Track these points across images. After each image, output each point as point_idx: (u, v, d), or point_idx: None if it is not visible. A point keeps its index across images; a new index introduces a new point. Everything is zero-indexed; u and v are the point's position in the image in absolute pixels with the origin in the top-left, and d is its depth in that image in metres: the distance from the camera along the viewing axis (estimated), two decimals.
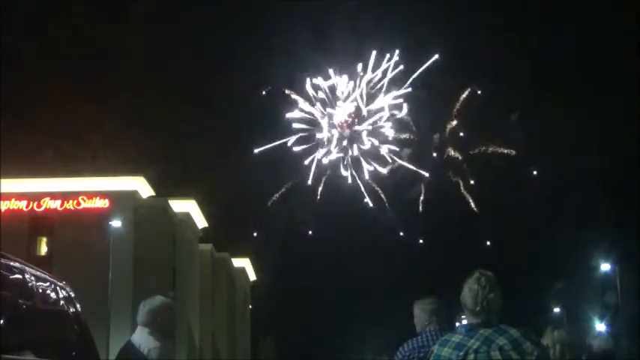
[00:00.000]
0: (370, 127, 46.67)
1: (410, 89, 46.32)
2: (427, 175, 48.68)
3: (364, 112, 46.41)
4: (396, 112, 46.60)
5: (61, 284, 4.89)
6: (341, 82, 46.20)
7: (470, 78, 47.52)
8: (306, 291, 70.84)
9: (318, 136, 46.62)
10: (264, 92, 46.97)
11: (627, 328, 36.79)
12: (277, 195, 48.52)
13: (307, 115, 46.42)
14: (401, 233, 51.43)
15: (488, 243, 52.95)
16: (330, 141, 46.61)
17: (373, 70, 46.16)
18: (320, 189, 47.75)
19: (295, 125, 46.49)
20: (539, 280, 53.00)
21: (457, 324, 5.83)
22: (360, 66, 46.14)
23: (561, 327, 6.93)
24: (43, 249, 43.32)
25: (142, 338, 5.42)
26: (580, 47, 56.26)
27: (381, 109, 46.62)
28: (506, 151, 48.37)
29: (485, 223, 55.31)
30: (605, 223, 44.63)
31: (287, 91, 46.61)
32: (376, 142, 46.83)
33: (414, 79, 46.35)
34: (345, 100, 46.35)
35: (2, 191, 39.89)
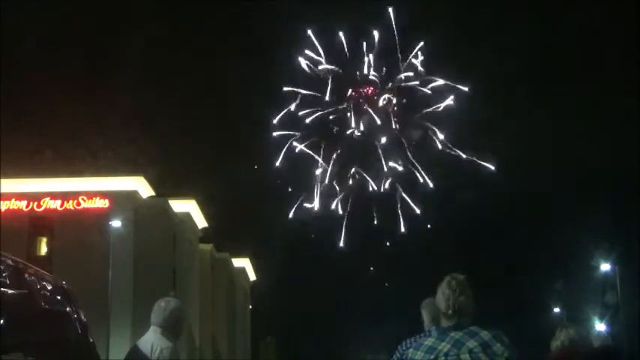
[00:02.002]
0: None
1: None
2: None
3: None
4: None
5: (61, 284, 4.89)
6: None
7: (464, 77, 47.54)
8: (306, 291, 70.86)
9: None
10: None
11: (627, 328, 36.81)
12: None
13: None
14: (402, 230, 51.44)
15: (488, 243, 52.95)
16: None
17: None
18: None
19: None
20: (539, 280, 53.05)
21: None
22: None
23: (569, 327, 6.92)
24: (43, 249, 43.30)
25: (155, 338, 5.52)
26: (580, 46, 56.27)
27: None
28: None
29: (485, 223, 55.33)
30: (605, 223, 44.64)
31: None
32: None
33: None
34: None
35: (2, 191, 39.88)
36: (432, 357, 4.04)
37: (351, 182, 47.94)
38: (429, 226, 50.02)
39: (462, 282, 4.18)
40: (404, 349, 6.18)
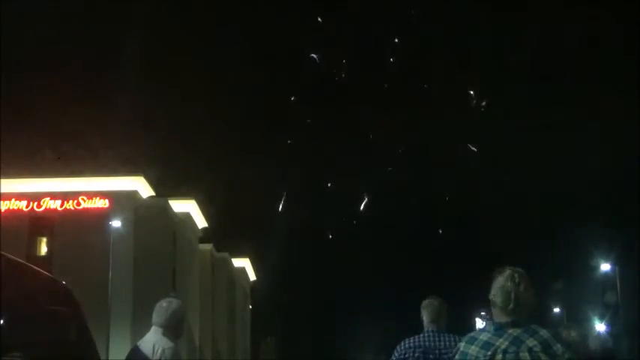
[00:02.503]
0: None
1: None
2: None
3: None
4: None
5: (61, 284, 4.90)
6: None
7: (468, 80, 47.55)
8: (306, 291, 70.94)
9: None
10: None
11: (627, 328, 36.83)
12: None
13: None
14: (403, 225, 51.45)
15: (488, 244, 52.94)
16: None
17: None
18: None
19: None
20: (539, 280, 53.03)
21: (478, 320, 5.76)
22: None
23: (571, 327, 6.91)
24: (43, 249, 43.30)
25: (157, 338, 5.54)
26: (580, 47, 56.29)
27: None
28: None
29: (485, 224, 55.35)
30: (605, 223, 44.60)
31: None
32: None
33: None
34: None
35: (2, 191, 39.88)
36: (489, 353, 3.86)
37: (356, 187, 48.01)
38: (440, 231, 50.10)
39: (525, 275, 3.98)
40: (402, 348, 6.19)
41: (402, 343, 6.20)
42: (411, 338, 6.20)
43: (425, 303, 6.30)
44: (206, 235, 55.23)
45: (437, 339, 6.03)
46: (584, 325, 39.12)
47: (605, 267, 39.85)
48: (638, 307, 36.52)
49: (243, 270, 68.67)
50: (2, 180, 37.98)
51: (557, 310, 49.66)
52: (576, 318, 42.42)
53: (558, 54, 58.08)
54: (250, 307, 74.20)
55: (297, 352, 70.07)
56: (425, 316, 6.25)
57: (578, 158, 49.87)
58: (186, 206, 49.02)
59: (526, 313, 3.93)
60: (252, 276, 73.03)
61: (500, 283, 3.97)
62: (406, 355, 6.12)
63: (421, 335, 6.19)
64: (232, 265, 63.52)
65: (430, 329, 6.16)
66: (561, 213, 52.28)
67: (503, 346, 3.87)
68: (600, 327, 38.97)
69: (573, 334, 6.68)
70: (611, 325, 39.51)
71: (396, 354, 6.19)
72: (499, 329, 3.94)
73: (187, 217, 49.03)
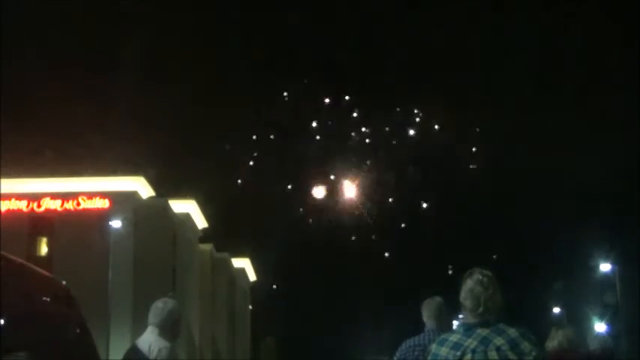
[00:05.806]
0: None
1: None
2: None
3: None
4: None
5: (61, 284, 4.90)
6: None
7: (465, 78, 47.62)
8: (306, 291, 70.89)
9: None
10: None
11: (627, 328, 36.84)
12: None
13: None
14: (403, 224, 51.50)
15: (488, 243, 52.94)
16: None
17: None
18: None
19: None
20: (539, 280, 53.03)
21: (455, 322, 5.80)
22: None
23: (566, 327, 6.93)
24: (43, 249, 43.29)
25: (153, 338, 5.56)
26: (580, 46, 56.27)
27: None
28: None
29: (485, 223, 55.33)
30: (605, 223, 44.60)
31: None
32: None
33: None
34: None
35: (2, 191, 39.85)
36: (459, 353, 3.97)
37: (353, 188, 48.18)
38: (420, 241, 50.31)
39: (492, 278, 4.12)
40: (403, 348, 6.19)
41: (403, 344, 6.22)
42: (412, 338, 6.21)
43: (426, 302, 6.31)
44: (206, 235, 55.20)
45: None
46: (584, 325, 39.14)
47: (605, 267, 39.86)
48: (637, 307, 36.54)
49: (243, 270, 68.60)
50: (2, 180, 37.95)
51: (557, 310, 49.66)
52: (576, 318, 42.44)
53: (560, 54, 58.09)
54: (250, 307, 74.14)
55: (297, 352, 69.97)
56: (426, 316, 6.26)
57: (578, 158, 49.88)
58: (186, 206, 48.99)
59: (495, 313, 4.04)
60: (252, 276, 72.98)
61: (470, 287, 4.09)
62: (406, 355, 6.14)
63: (422, 335, 6.21)
64: (232, 265, 63.47)
65: (431, 329, 6.17)
66: (561, 213, 52.25)
67: (472, 346, 3.97)
68: (600, 327, 38.96)
69: (570, 333, 6.68)
70: (610, 325, 39.50)
71: (398, 354, 6.21)
72: (468, 329, 4.04)
73: (187, 217, 49.01)
